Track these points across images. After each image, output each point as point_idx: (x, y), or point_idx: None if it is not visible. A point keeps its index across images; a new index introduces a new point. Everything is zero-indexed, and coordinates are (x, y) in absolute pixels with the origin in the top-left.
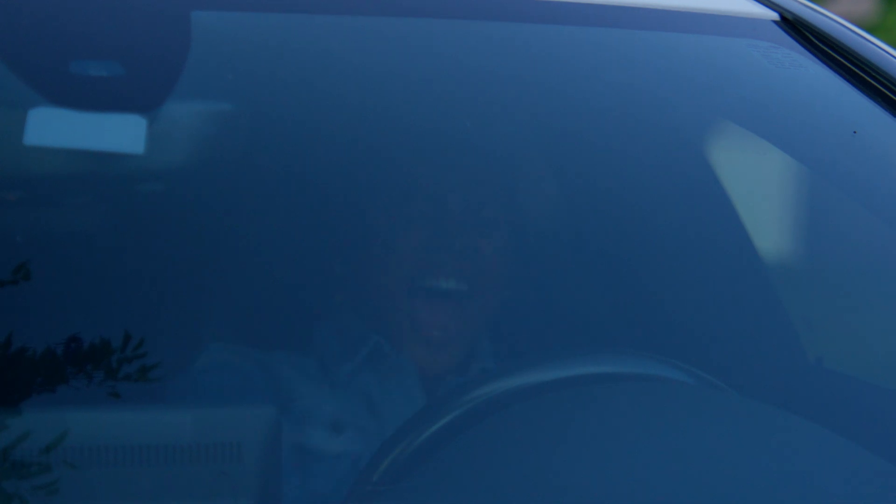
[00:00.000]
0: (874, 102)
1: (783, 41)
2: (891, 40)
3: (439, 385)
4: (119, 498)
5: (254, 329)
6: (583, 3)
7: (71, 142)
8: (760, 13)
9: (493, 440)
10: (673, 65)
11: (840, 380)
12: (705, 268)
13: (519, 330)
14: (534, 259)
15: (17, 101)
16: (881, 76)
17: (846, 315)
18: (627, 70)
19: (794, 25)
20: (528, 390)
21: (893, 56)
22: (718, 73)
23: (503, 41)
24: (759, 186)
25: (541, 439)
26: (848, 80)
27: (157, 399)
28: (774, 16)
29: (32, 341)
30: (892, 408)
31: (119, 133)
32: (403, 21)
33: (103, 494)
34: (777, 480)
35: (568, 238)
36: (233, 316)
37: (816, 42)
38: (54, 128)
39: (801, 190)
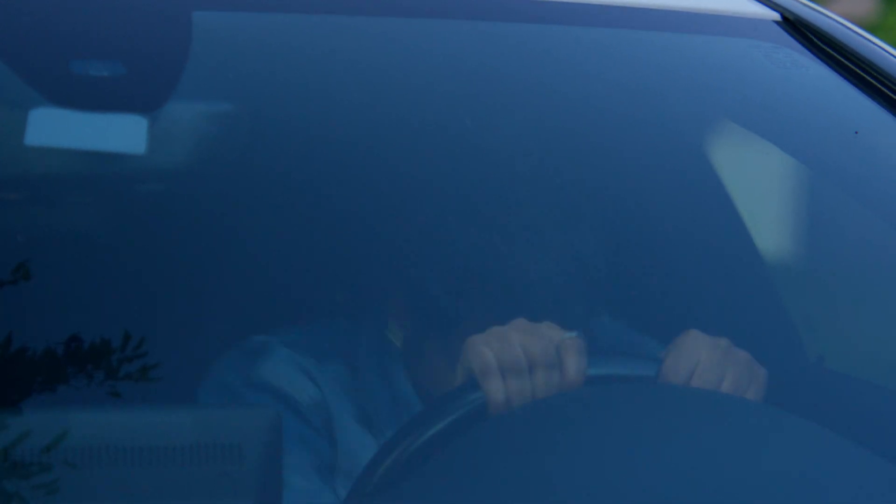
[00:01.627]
0: (875, 103)
1: (785, 41)
2: (891, 40)
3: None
4: (119, 498)
5: (254, 328)
6: (584, 4)
7: (72, 142)
8: (762, 13)
9: (493, 440)
10: (674, 65)
11: (841, 379)
12: (706, 267)
13: None
14: (532, 258)
15: (19, 101)
16: (882, 76)
17: (847, 314)
18: (629, 70)
19: (795, 26)
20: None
21: (894, 56)
22: (720, 74)
23: (503, 41)
24: (760, 186)
25: (540, 439)
26: (849, 81)
27: (158, 399)
28: (776, 16)
29: (33, 341)
30: (892, 408)
31: (120, 133)
32: (404, 21)
33: (104, 494)
34: (777, 480)
35: (568, 237)
36: (234, 315)
37: (818, 42)
38: (55, 128)
39: (803, 190)
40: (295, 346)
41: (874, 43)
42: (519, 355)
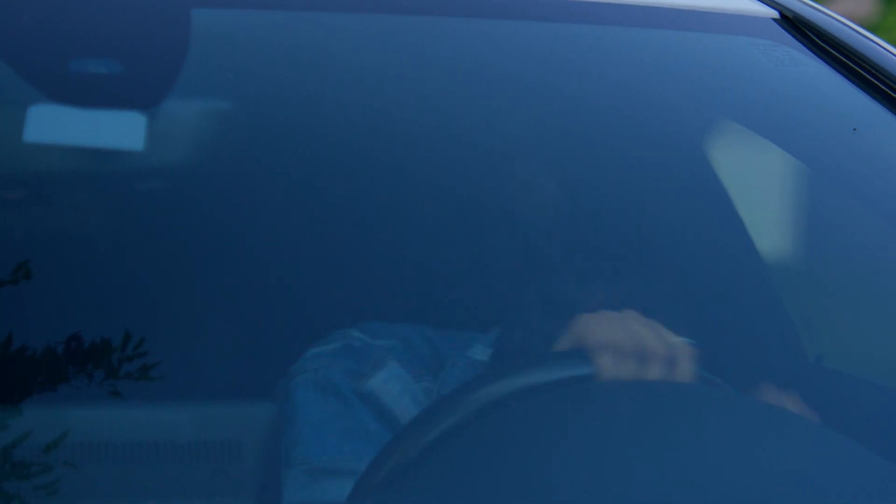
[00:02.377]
0: (874, 100)
1: (783, 39)
2: (891, 40)
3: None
4: (118, 496)
5: (254, 329)
6: (582, 1)
7: (70, 139)
8: (760, 11)
9: (494, 441)
10: (673, 63)
11: (840, 379)
12: (705, 266)
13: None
14: (532, 258)
15: (17, 97)
16: (881, 74)
17: (846, 314)
18: (627, 68)
19: (793, 23)
20: (528, 391)
21: (893, 54)
22: (718, 72)
23: (503, 39)
24: (759, 185)
25: (542, 439)
26: (848, 78)
27: (158, 397)
28: (774, 14)
29: (32, 339)
30: (892, 407)
31: (118, 130)
32: (403, 19)
33: (103, 492)
34: (776, 480)
35: (567, 237)
36: (232, 312)
37: (816, 40)
38: (54, 125)
39: (801, 188)
40: (403, 360)
41: (872, 40)
42: (633, 339)
